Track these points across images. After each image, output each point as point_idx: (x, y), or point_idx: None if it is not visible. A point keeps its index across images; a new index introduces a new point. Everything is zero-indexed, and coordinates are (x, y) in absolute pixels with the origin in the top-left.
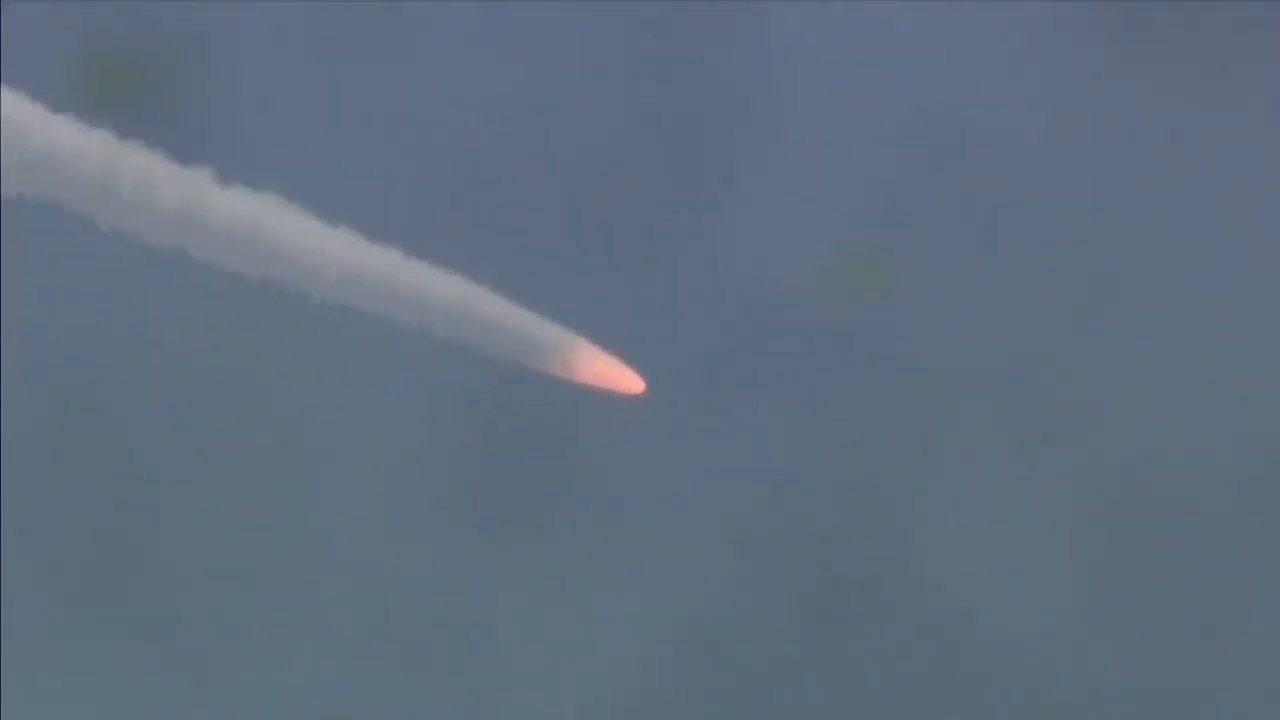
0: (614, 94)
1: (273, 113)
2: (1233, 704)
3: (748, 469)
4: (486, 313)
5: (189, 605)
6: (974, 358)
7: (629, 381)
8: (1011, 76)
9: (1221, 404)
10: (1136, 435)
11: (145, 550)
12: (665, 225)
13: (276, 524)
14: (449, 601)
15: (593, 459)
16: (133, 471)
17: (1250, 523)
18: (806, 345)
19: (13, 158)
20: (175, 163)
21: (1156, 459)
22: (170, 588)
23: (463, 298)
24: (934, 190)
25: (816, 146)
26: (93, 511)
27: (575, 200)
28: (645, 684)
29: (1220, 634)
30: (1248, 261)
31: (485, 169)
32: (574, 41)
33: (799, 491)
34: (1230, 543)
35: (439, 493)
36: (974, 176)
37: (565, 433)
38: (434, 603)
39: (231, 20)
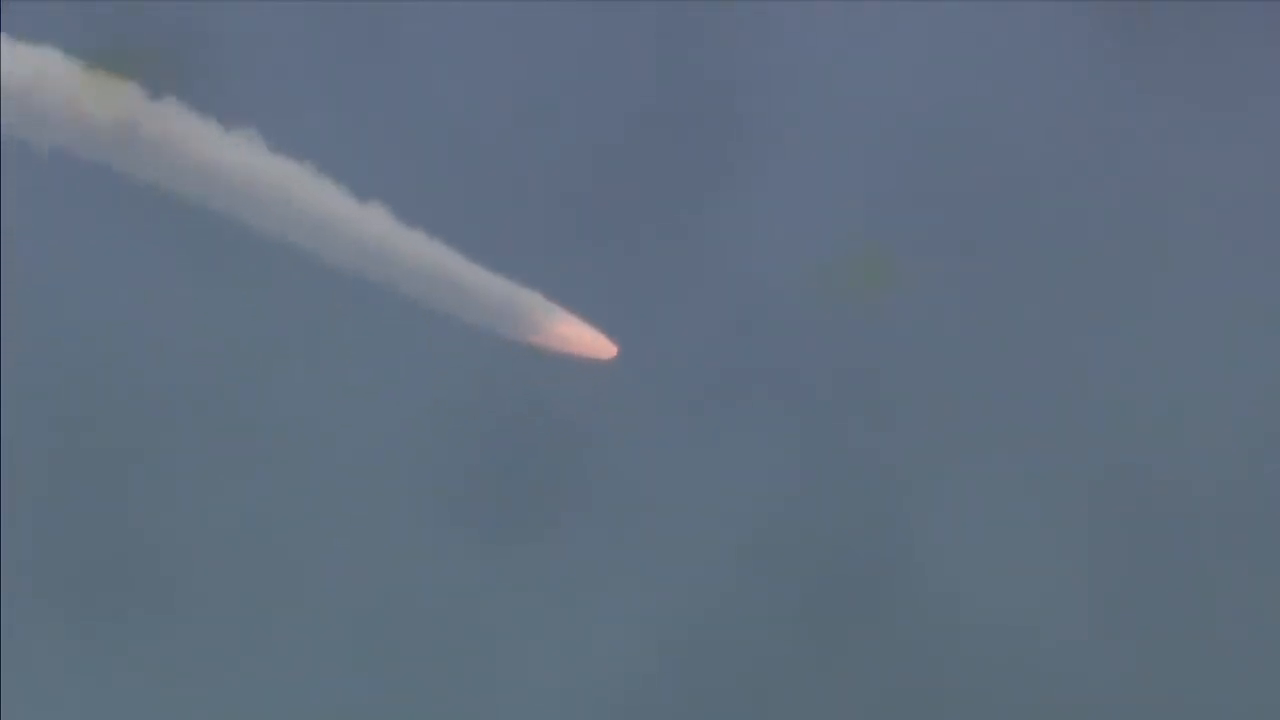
0: (614, 91)
1: (277, 75)
2: (1233, 704)
3: (746, 468)
4: (460, 276)
5: (189, 605)
6: (973, 357)
7: (601, 346)
8: (1012, 77)
9: (1222, 404)
10: (1137, 435)
11: (145, 550)
12: (664, 224)
13: (267, 518)
14: (440, 598)
15: (591, 458)
16: (132, 471)
17: (1251, 522)
18: (806, 345)
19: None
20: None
21: (1157, 458)
22: (169, 587)
23: (437, 261)
24: (934, 190)
25: (817, 146)
26: (92, 511)
27: (574, 197)
28: (644, 680)
29: (1221, 634)
30: (1248, 262)
31: (490, 160)
32: (575, 39)
33: (798, 490)
34: (1231, 543)
35: (425, 482)
36: (974, 177)
37: (558, 425)
38: (424, 599)
39: (231, 11)
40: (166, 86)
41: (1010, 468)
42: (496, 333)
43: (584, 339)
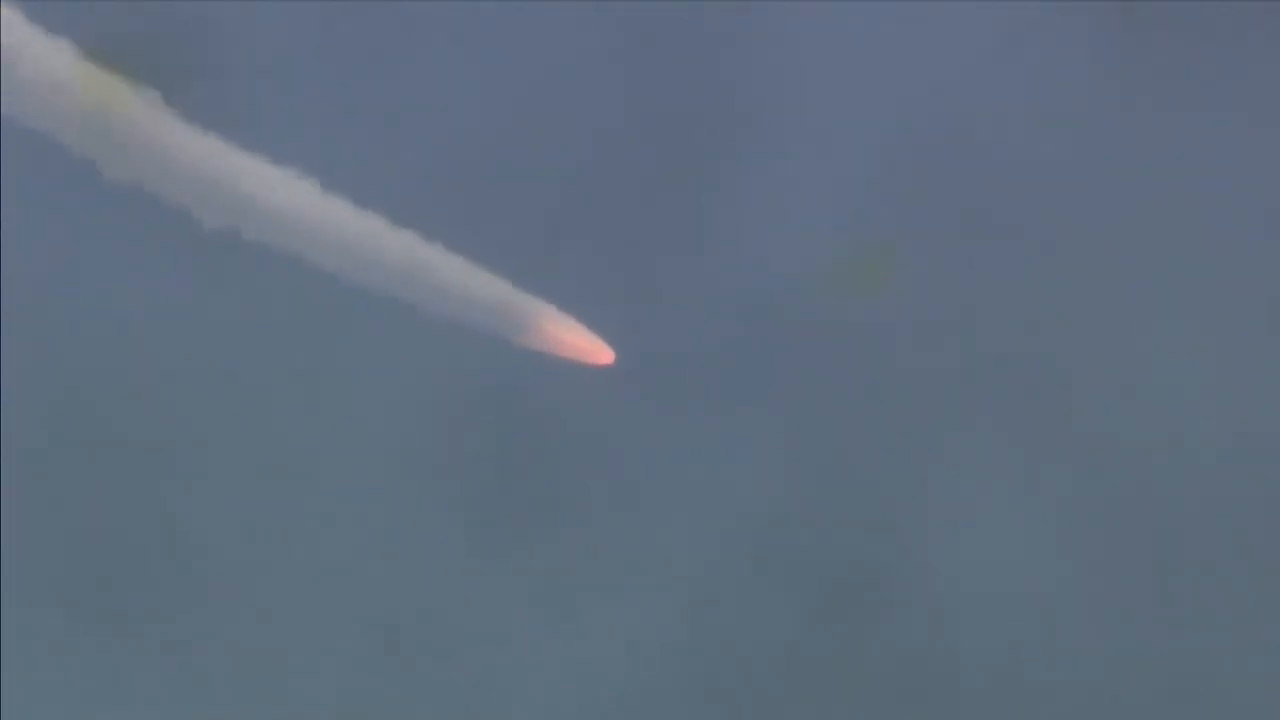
0: (613, 89)
1: (273, 82)
2: (1234, 704)
3: (745, 468)
4: (456, 277)
5: (189, 604)
6: (974, 357)
7: (599, 353)
8: (1013, 76)
9: (1223, 404)
10: (1139, 435)
11: (144, 550)
12: (663, 228)
13: (265, 520)
14: (437, 602)
15: (588, 462)
16: (130, 470)
17: (1251, 522)
18: (805, 344)
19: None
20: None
21: (1158, 458)
22: (169, 587)
23: (433, 262)
24: (934, 190)
25: (817, 146)
26: (92, 511)
27: (573, 195)
28: (644, 682)
29: (1222, 634)
30: (1249, 262)
31: (487, 161)
32: (575, 38)
33: (797, 491)
34: (1231, 542)
35: (420, 485)
36: (975, 176)
37: (554, 429)
38: (420, 602)
39: (233, 11)
40: (170, 88)
41: (1010, 466)
42: (493, 336)
43: (582, 344)
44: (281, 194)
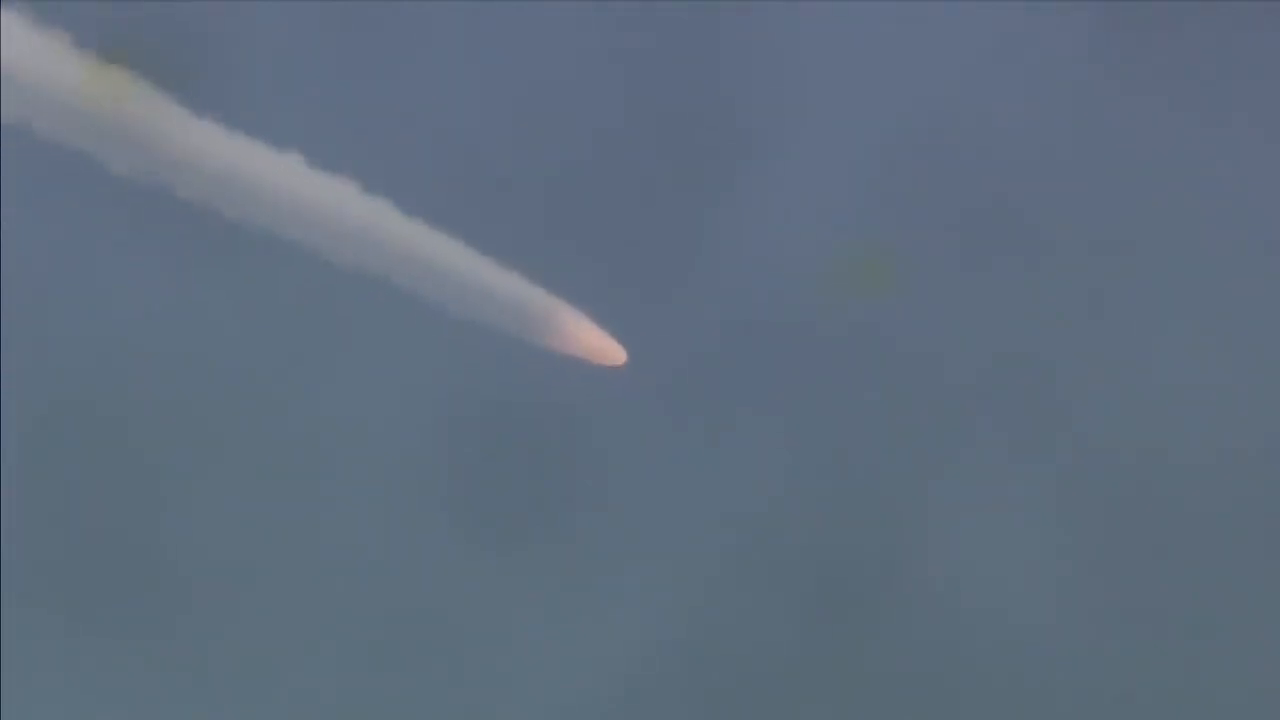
0: (615, 89)
1: (282, 65)
2: (1234, 704)
3: (745, 468)
4: (472, 272)
5: (189, 605)
6: (974, 357)
7: (611, 352)
8: (1013, 76)
9: (1223, 405)
10: (1140, 435)
11: (144, 549)
12: (676, 225)
13: (269, 517)
14: (441, 598)
15: (588, 457)
16: (129, 469)
17: (1253, 523)
18: (805, 344)
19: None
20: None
21: (1160, 460)
22: (170, 587)
23: (448, 255)
24: (935, 190)
25: (817, 146)
26: (92, 510)
27: (573, 193)
28: (644, 680)
29: (1223, 635)
30: (1250, 262)
31: (503, 153)
32: (576, 38)
33: (801, 491)
34: (1233, 544)
35: (426, 481)
36: (975, 176)
37: (562, 427)
38: (425, 599)
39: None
40: (171, 82)
41: (1012, 467)
42: (505, 331)
43: (595, 343)
44: (291, 184)
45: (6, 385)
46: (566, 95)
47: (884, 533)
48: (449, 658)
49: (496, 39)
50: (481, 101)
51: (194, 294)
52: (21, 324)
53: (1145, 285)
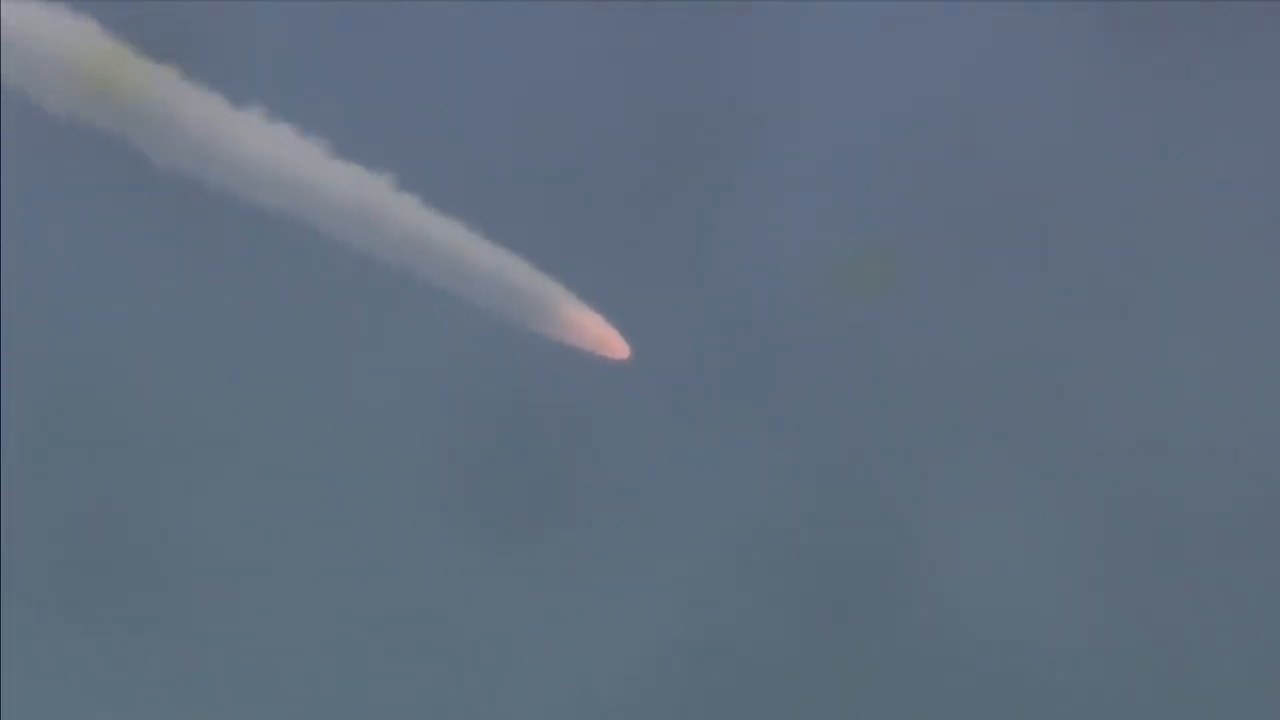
0: (618, 86)
1: (297, 48)
2: (1235, 704)
3: (746, 466)
4: (478, 257)
5: (189, 604)
6: (975, 357)
7: (615, 345)
8: (1014, 76)
9: (1224, 405)
10: (1141, 436)
11: (144, 549)
12: (667, 221)
13: (270, 513)
14: (436, 596)
15: (589, 457)
16: (132, 464)
17: (1252, 522)
18: (806, 342)
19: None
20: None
21: (1160, 459)
22: (170, 587)
23: (455, 242)
24: (935, 190)
25: (817, 145)
26: (92, 510)
27: (578, 187)
28: (644, 681)
29: (1224, 636)
30: (1250, 262)
31: (501, 143)
32: (577, 38)
33: (798, 489)
34: (1233, 543)
35: (426, 473)
36: (975, 176)
37: (559, 419)
38: (420, 597)
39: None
40: (190, 63)
41: (1012, 467)
42: (506, 317)
43: (599, 335)
44: (298, 162)
45: (6, 385)
46: (575, 92)
47: (884, 531)
48: (444, 656)
49: (509, 37)
50: (494, 95)
51: (188, 287)
52: (21, 324)
53: (1146, 285)
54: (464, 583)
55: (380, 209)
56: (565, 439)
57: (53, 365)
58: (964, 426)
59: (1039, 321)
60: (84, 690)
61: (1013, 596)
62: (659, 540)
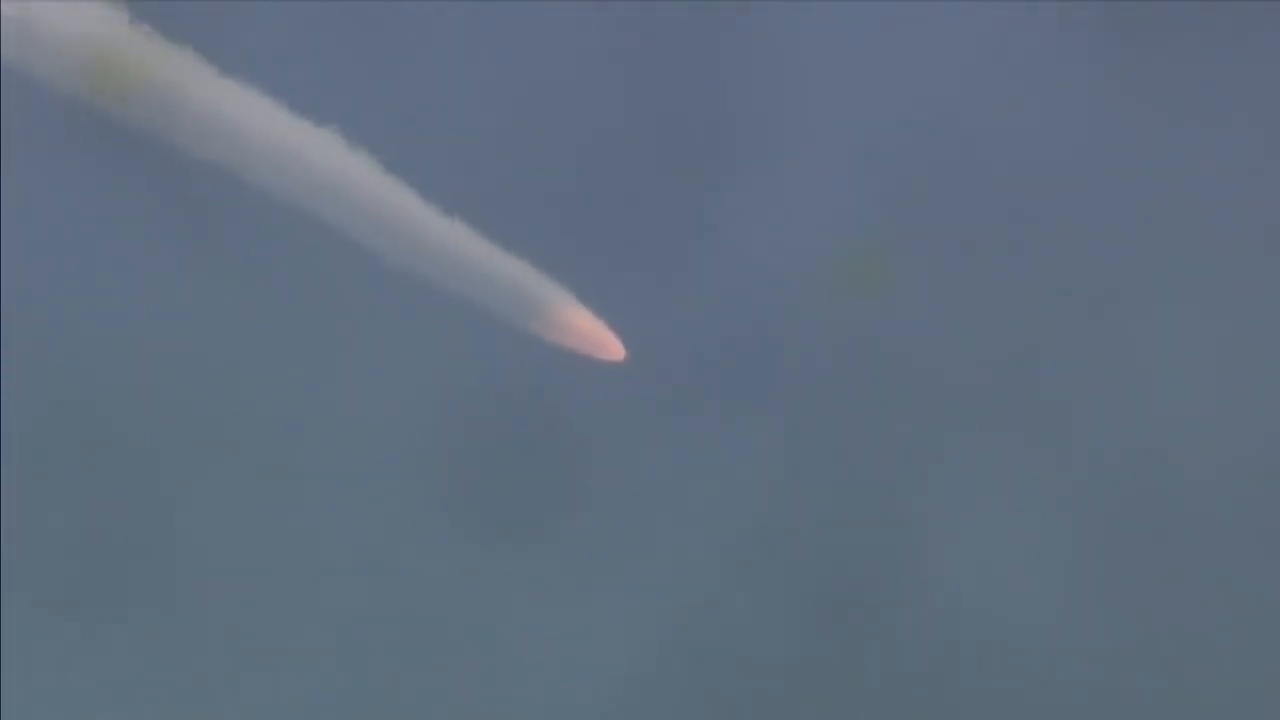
0: (616, 89)
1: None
2: (1235, 705)
3: (743, 466)
4: (476, 257)
5: (189, 604)
6: (973, 357)
7: (610, 347)
8: (1013, 76)
9: (1222, 405)
10: (1138, 435)
11: (144, 549)
12: (666, 223)
13: (268, 512)
14: (436, 595)
15: (583, 452)
16: (129, 469)
17: (1251, 523)
18: (803, 343)
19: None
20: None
21: (1158, 459)
22: (170, 587)
23: (456, 240)
24: (935, 190)
25: (817, 146)
26: (92, 511)
27: (577, 190)
28: (642, 679)
29: (1224, 637)
30: (1249, 263)
31: (503, 144)
32: (577, 38)
33: (797, 491)
34: (1233, 542)
35: (420, 472)
36: (975, 177)
37: (555, 420)
38: (420, 596)
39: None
40: (206, 47)
41: (1010, 467)
42: (505, 317)
43: (594, 335)
44: (312, 152)
45: (7, 385)
46: (575, 92)
47: (882, 530)
48: (444, 655)
49: (509, 37)
50: (494, 96)
51: (187, 287)
52: (21, 324)
53: (1145, 285)
54: (461, 579)
55: (380, 208)
56: (561, 438)
57: (53, 365)
58: (962, 426)
59: (1038, 321)
60: (84, 690)
61: (1009, 592)
62: (655, 539)
